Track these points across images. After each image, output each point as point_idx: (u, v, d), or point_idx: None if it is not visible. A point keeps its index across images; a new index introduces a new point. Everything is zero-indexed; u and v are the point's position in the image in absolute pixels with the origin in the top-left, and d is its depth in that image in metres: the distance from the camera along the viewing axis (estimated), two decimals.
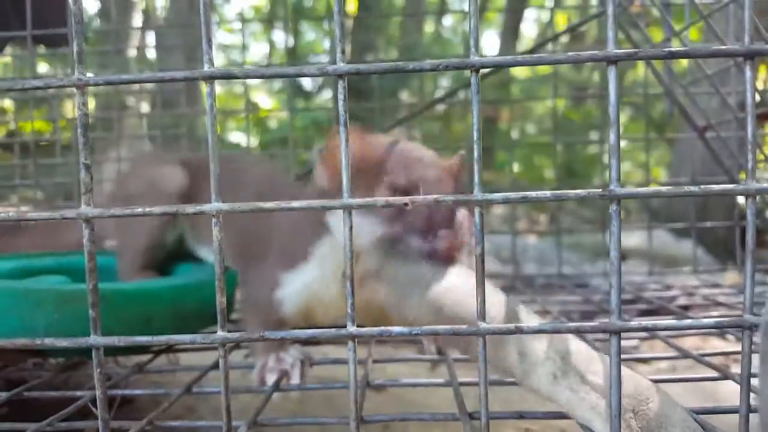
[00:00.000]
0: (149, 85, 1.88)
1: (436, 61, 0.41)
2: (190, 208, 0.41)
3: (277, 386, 0.63)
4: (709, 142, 1.19)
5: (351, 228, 0.42)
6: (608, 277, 0.42)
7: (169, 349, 0.83)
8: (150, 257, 0.93)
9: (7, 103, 1.95)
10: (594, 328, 0.43)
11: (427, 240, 0.56)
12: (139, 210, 0.41)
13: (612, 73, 0.41)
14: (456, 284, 0.54)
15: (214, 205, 0.41)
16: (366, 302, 0.56)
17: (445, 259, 0.56)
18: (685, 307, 1.06)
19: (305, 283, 0.68)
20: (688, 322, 0.44)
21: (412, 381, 0.66)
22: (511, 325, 0.42)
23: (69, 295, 0.68)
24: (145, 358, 0.78)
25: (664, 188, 0.42)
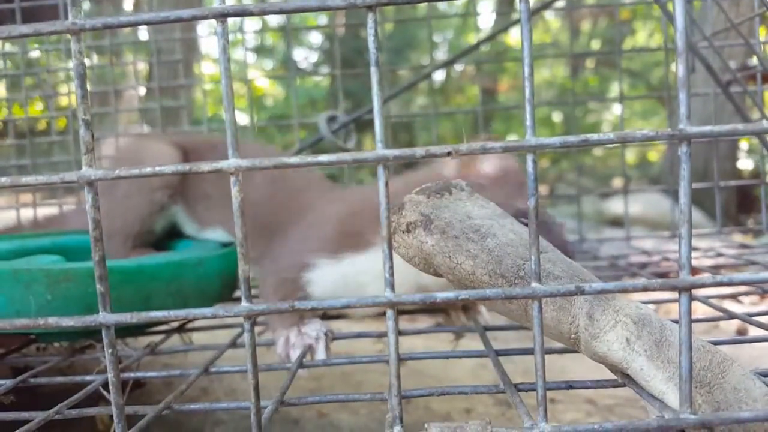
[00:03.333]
0: (145, 63, 1.82)
1: None
2: (205, 166, 0.36)
3: (300, 362, 0.59)
4: (733, 96, 1.14)
5: (386, 183, 0.37)
6: (677, 229, 0.37)
7: (182, 328, 0.79)
8: (139, 241, 0.89)
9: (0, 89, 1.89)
10: (663, 285, 0.38)
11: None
12: (148, 170, 0.36)
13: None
14: (519, 233, 0.50)
15: (233, 162, 0.36)
16: (410, 257, 0.52)
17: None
18: (714, 268, 1.02)
19: (345, 274, 0.65)
20: (765, 275, 0.39)
21: (444, 353, 0.61)
22: (571, 286, 0.37)
23: (61, 274, 0.63)
24: (156, 338, 0.74)
25: (740, 126, 0.37)
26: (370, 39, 0.36)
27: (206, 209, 0.90)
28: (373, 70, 0.36)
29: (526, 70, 0.36)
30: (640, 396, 0.44)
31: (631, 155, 5.08)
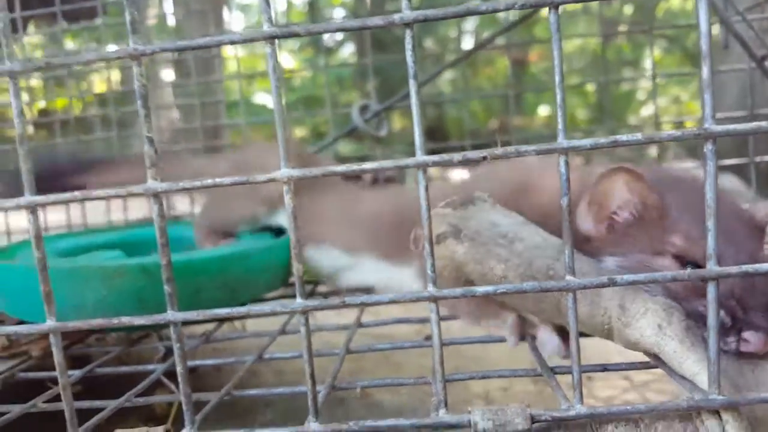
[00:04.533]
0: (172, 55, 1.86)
1: (511, 0, 0.38)
2: (261, 177, 0.39)
3: (347, 348, 0.63)
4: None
5: (426, 187, 0.40)
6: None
7: (232, 317, 0.83)
8: (229, 230, 0.93)
9: (34, 83, 1.95)
10: (692, 275, 0.40)
11: (731, 332, 0.47)
12: (209, 181, 0.40)
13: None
14: (545, 236, 0.52)
15: (284, 172, 0.39)
16: (440, 270, 0.53)
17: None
18: None
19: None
20: None
21: (482, 338, 0.64)
22: (604, 278, 0.40)
23: (115, 271, 0.68)
24: (210, 326, 0.79)
25: (764, 123, 0.39)
26: (408, 54, 0.38)
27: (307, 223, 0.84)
28: (411, 83, 0.39)
29: (557, 78, 0.38)
30: (671, 377, 0.47)
31: (667, 126, 4.98)
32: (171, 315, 0.42)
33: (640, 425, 0.43)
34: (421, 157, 0.39)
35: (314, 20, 2.43)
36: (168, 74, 2.06)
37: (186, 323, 0.76)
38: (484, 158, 0.39)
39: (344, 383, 0.54)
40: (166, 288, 0.42)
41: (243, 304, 0.80)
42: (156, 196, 0.40)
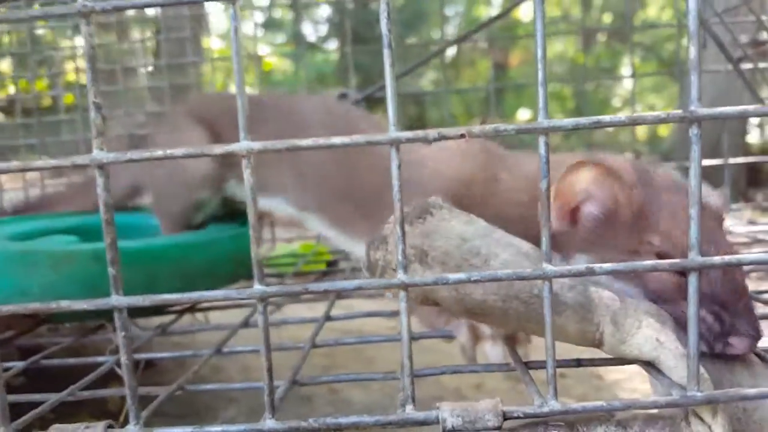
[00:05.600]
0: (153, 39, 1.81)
1: None
2: (217, 149, 0.36)
3: (313, 342, 0.60)
4: (743, 73, 1.13)
5: (399, 165, 0.37)
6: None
7: (193, 308, 0.79)
8: (188, 218, 0.87)
9: (4, 66, 1.88)
10: (673, 266, 0.38)
11: (719, 337, 0.46)
12: (159, 153, 0.36)
13: None
14: (517, 245, 0.48)
15: (244, 144, 0.36)
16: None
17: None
18: None
19: None
20: None
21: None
22: (582, 266, 0.37)
23: (64, 256, 0.64)
24: (167, 319, 0.75)
25: (750, 107, 0.37)
26: (383, 21, 0.36)
27: (278, 173, 0.79)
28: (386, 52, 0.36)
29: (539, 51, 0.36)
30: (648, 373, 0.44)
31: (641, 131, 5.03)
32: (115, 300, 0.38)
33: (628, 430, 0.40)
34: (394, 132, 0.36)
35: (297, 14, 2.39)
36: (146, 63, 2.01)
37: (137, 313, 0.72)
38: (462, 136, 0.36)
39: (307, 378, 0.51)
40: (111, 270, 0.38)
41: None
42: (101, 167, 0.37)
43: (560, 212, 0.53)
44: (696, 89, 0.36)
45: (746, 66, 1.13)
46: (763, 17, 1.10)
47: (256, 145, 0.36)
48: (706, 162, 1.32)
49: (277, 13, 5.12)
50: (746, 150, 3.68)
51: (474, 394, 0.95)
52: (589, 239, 0.52)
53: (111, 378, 0.61)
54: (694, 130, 0.36)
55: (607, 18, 6.19)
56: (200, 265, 0.72)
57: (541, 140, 0.36)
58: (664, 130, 5.40)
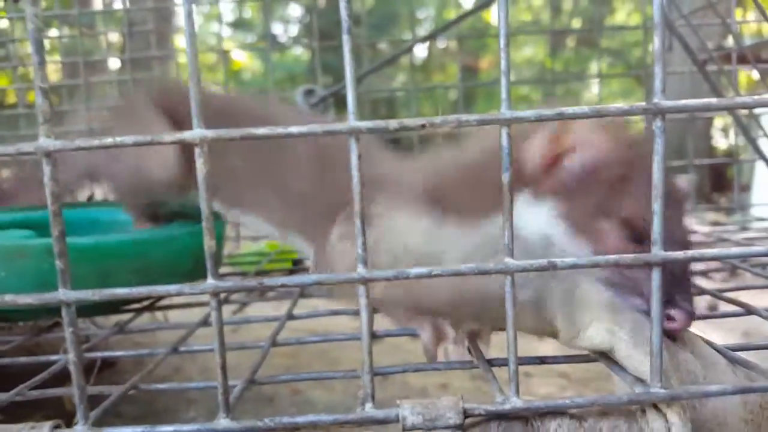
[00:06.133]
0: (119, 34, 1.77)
1: None
2: (168, 137, 0.35)
3: (274, 340, 0.58)
4: (709, 75, 1.14)
5: (359, 156, 0.36)
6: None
7: (152, 306, 0.77)
8: (151, 212, 0.83)
9: None
10: (635, 260, 0.38)
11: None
12: (109, 140, 0.35)
13: None
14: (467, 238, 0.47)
15: (197, 132, 0.34)
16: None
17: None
18: None
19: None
20: (736, 251, 0.39)
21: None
22: (544, 261, 0.37)
23: (16, 250, 0.62)
24: (125, 317, 0.73)
25: (714, 100, 0.37)
26: (342, 4, 0.35)
27: (234, 190, 0.75)
28: (345, 38, 0.35)
29: (502, 41, 0.35)
30: (611, 370, 0.44)
31: None
32: (62, 293, 0.37)
33: (583, 424, 0.40)
34: (353, 122, 0.35)
35: (267, 14, 2.36)
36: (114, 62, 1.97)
37: (92, 308, 0.70)
38: (423, 126, 0.36)
39: (265, 378, 0.50)
40: (58, 263, 0.36)
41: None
42: (48, 155, 0.35)
43: (545, 156, 0.50)
44: (660, 81, 0.36)
45: (712, 68, 1.15)
46: (728, 20, 1.11)
47: (210, 133, 0.34)
48: (671, 163, 1.34)
49: (247, 13, 5.08)
50: (711, 154, 3.77)
51: (440, 393, 0.94)
52: (565, 189, 0.50)
53: (68, 377, 0.58)
54: (657, 123, 0.36)
55: (577, 23, 6.29)
56: (157, 262, 0.70)
57: (503, 131, 0.36)
58: None
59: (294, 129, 0.35)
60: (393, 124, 0.36)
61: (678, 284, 0.46)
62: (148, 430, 0.38)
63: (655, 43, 0.36)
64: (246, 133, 0.35)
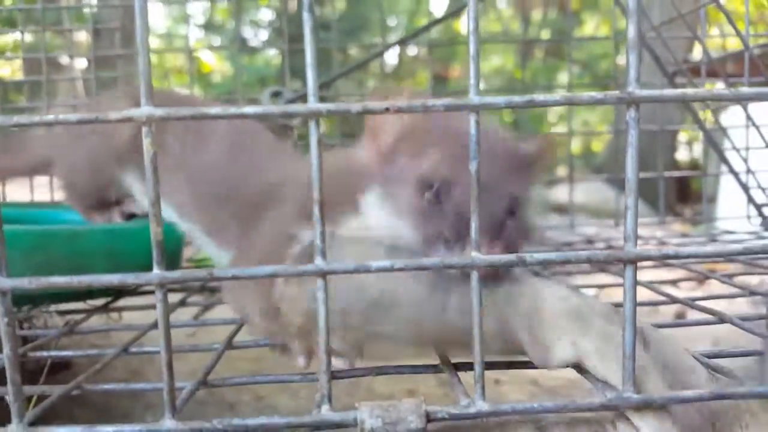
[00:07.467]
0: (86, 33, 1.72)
1: None
2: (114, 115, 0.32)
3: (229, 344, 0.55)
4: (678, 87, 1.15)
5: (319, 141, 0.34)
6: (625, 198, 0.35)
7: (106, 307, 0.74)
8: (95, 200, 0.81)
9: None
10: (608, 257, 0.36)
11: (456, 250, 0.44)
12: (50, 117, 0.32)
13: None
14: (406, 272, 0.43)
15: (144, 110, 0.32)
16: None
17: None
18: None
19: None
20: (711, 248, 0.38)
21: None
22: (513, 256, 0.35)
23: None
24: (78, 316, 0.69)
25: (689, 91, 0.36)
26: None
27: (179, 190, 0.73)
28: (306, 16, 0.33)
29: (471, 24, 0.34)
30: (583, 377, 0.43)
31: (575, 144, 5.17)
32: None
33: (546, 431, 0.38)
34: (313, 104, 0.33)
35: (238, 18, 2.33)
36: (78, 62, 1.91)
37: (28, 300, 0.66)
38: (387, 110, 0.34)
39: (218, 380, 0.47)
40: None
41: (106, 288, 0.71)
42: None
43: (371, 143, 0.53)
44: (635, 69, 0.35)
45: (681, 80, 1.15)
46: (698, 33, 1.12)
47: (158, 111, 0.32)
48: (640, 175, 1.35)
49: (218, 17, 5.03)
50: (675, 167, 3.83)
51: None
52: (387, 170, 0.51)
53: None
54: (631, 113, 0.35)
55: (546, 35, 6.36)
56: (64, 258, 0.65)
57: (472, 118, 0.34)
58: (597, 145, 5.56)
59: (249, 109, 0.33)
60: (356, 107, 0.34)
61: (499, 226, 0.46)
62: (86, 429, 0.35)
63: (630, 31, 0.35)
64: (196, 112, 0.33)
